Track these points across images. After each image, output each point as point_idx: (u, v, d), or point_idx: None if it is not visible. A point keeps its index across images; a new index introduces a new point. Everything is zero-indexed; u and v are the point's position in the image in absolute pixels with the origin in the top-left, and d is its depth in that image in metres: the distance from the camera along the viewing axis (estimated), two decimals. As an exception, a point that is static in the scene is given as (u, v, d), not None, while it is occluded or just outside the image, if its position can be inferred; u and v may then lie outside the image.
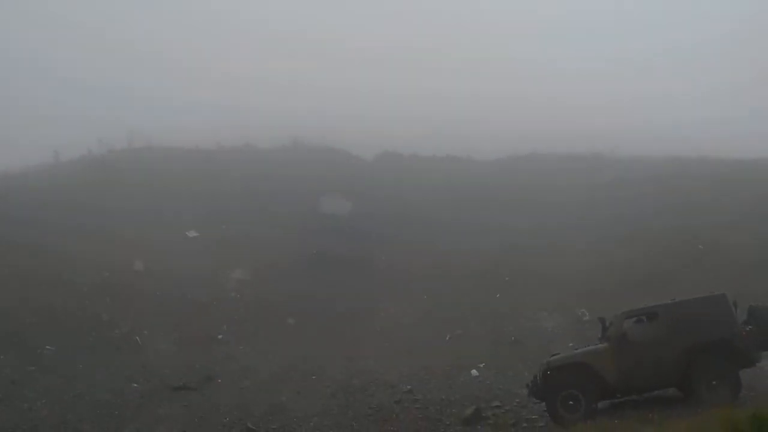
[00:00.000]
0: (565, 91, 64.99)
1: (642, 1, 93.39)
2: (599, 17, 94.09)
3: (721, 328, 14.23)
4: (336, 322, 25.92)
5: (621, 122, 48.94)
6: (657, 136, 43.42)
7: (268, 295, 27.70)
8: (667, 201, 32.37)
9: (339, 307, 27.00)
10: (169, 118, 53.08)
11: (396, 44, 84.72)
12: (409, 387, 19.22)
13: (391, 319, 26.35)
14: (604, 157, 41.95)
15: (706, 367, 14.11)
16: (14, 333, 21.84)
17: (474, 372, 20.46)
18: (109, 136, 43.62)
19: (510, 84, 70.48)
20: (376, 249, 31.45)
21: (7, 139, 50.20)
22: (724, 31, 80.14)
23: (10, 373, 20.09)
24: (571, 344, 20.30)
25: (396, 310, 26.98)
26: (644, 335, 14.80)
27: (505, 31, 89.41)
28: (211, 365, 22.11)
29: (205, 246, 31.39)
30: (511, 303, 26.33)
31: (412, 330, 25.19)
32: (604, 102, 59.20)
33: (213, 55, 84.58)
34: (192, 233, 32.78)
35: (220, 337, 24.96)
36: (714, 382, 13.97)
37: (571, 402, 14.51)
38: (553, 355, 15.86)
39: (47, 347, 21.84)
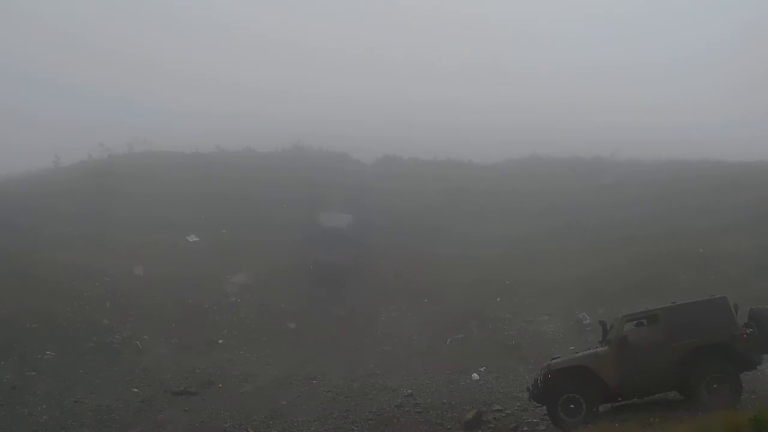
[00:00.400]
0: (564, 95, 65.20)
1: (640, 7, 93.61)
2: (597, 23, 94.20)
3: (722, 331, 14.20)
4: (336, 327, 25.93)
5: (621, 126, 48.96)
6: (657, 140, 43.56)
7: (268, 299, 27.71)
8: (667, 204, 32.36)
9: (339, 311, 27.02)
10: (170, 123, 53.09)
11: (395, 50, 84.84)
12: (409, 391, 19.22)
13: (392, 323, 26.36)
14: (604, 160, 41.98)
15: (706, 370, 14.07)
16: (14, 338, 21.83)
17: (475, 376, 20.46)
18: (110, 141, 43.70)
19: (509, 88, 70.66)
20: (377, 253, 31.45)
21: (8, 144, 50.27)
22: (724, 35, 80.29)
23: (10, 378, 20.08)
24: (571, 348, 20.31)
25: (397, 314, 26.99)
26: (645, 338, 14.76)
27: (505, 36, 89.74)
28: (212, 370, 22.12)
29: (205, 251, 31.37)
30: (512, 307, 26.32)
31: (413, 334, 25.20)
32: (604, 106, 59.23)
33: (213, 62, 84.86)
34: (192, 238, 32.76)
35: (220, 341, 24.96)
36: (715, 385, 13.93)
37: (572, 405, 14.48)
38: (554, 358, 15.83)
39: (47, 352, 21.82)
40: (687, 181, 35.09)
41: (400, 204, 35.74)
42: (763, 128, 49.66)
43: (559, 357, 16.15)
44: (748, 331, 14.23)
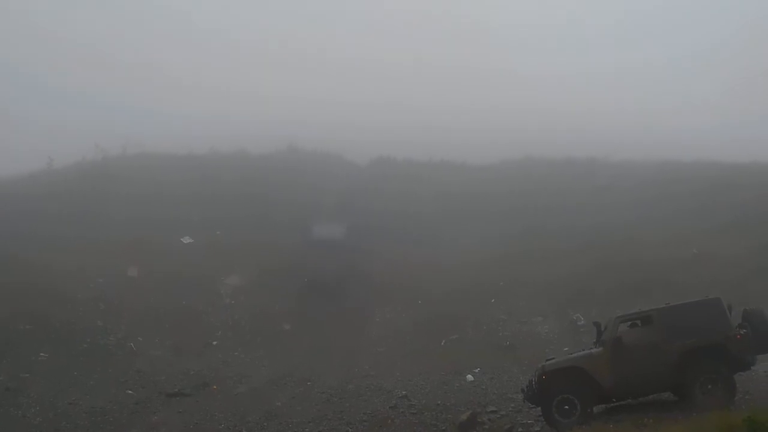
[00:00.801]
0: (559, 97, 65.31)
1: (637, 11, 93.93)
2: (594, 26, 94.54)
3: (716, 332, 14.22)
4: (331, 328, 25.88)
5: (615, 128, 49.10)
6: (651, 142, 43.66)
7: (263, 300, 27.63)
8: (661, 205, 32.47)
9: (334, 312, 26.96)
10: (164, 125, 53.04)
11: (391, 53, 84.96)
12: (404, 392, 19.19)
13: (386, 325, 26.33)
14: (598, 161, 42.10)
15: (700, 371, 14.09)
16: (8, 340, 21.76)
17: (469, 377, 20.44)
18: (104, 143, 43.61)
19: (504, 91, 70.73)
20: (371, 254, 31.41)
21: (1, 146, 50.15)
22: (724, 35, 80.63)
23: (4, 380, 20.03)
24: (566, 349, 20.36)
25: (391, 316, 26.96)
26: (639, 339, 14.78)
27: (501, 40, 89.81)
28: (206, 371, 22.08)
29: (199, 252, 31.30)
30: (506, 308, 26.33)
31: (407, 335, 25.17)
32: (598, 108, 59.39)
33: (207, 65, 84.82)
34: (187, 239, 32.70)
35: (214, 343, 24.90)
36: (709, 386, 13.95)
37: (566, 406, 14.49)
38: (548, 359, 15.85)
39: (41, 354, 21.75)
40: (681, 182, 35.24)
41: (394, 205, 35.75)
42: (763, 129, 49.85)
43: (553, 358, 16.18)
44: (742, 332, 14.26)
